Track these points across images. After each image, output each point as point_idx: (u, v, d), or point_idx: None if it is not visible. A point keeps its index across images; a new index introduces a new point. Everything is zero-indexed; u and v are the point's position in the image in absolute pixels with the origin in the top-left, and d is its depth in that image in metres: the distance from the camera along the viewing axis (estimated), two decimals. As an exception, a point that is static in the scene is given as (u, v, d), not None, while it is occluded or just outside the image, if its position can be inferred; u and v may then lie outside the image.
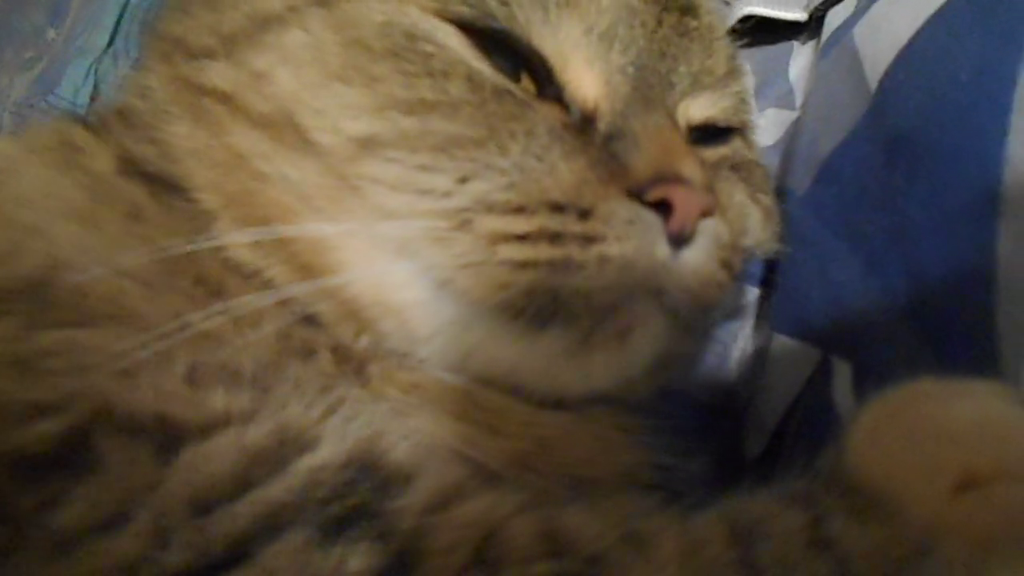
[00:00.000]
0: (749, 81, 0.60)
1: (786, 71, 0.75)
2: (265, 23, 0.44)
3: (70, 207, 0.42)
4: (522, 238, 0.39)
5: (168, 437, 0.35)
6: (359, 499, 0.34)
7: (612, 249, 0.39)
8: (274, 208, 0.43)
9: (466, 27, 0.44)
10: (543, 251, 0.39)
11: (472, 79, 0.42)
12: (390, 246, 0.41)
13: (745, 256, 0.50)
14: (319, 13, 0.44)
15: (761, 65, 0.76)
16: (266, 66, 0.43)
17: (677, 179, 0.41)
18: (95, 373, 0.36)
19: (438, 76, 0.42)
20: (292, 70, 0.43)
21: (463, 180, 0.40)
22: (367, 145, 0.41)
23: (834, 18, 0.67)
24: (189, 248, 0.41)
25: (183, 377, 0.38)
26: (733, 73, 0.54)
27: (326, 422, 0.38)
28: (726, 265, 0.44)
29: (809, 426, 0.51)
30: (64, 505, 0.32)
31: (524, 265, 0.39)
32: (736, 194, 0.50)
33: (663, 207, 0.40)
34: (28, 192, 0.43)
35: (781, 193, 0.61)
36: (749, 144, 0.57)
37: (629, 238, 0.39)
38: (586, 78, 0.44)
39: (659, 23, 0.48)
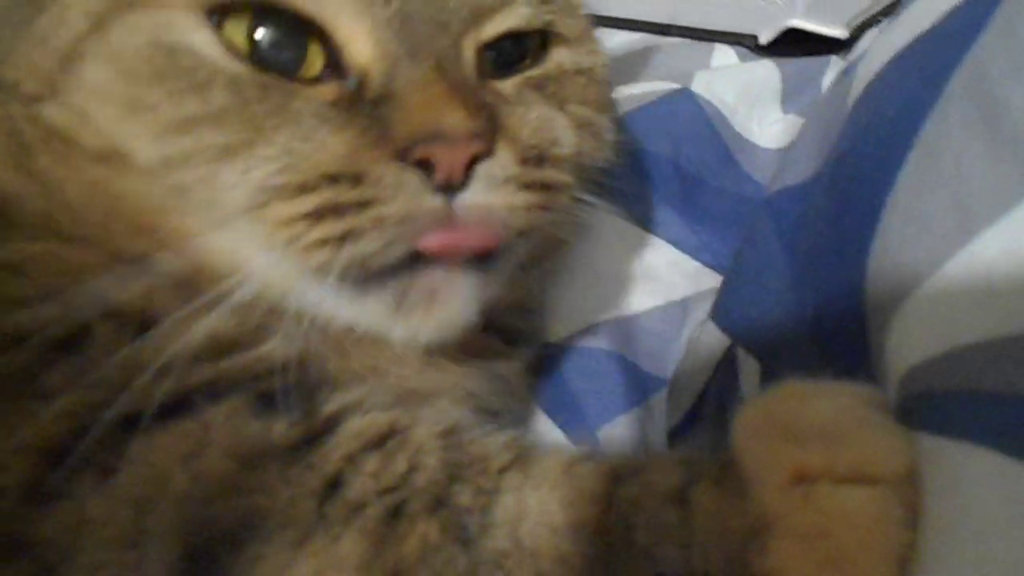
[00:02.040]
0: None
1: (819, 82, 0.77)
2: (67, 60, 0.44)
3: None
4: (311, 216, 0.41)
5: (147, 325, 0.42)
6: (293, 380, 0.41)
7: (387, 209, 0.41)
8: (136, 215, 0.45)
9: (231, 9, 0.43)
10: (330, 226, 0.41)
11: (234, 82, 0.42)
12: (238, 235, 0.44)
13: (577, 164, 0.49)
14: (97, 43, 0.44)
15: (796, 72, 0.78)
16: (82, 102, 0.44)
17: (437, 136, 0.41)
18: (82, 277, 0.43)
19: (202, 88, 0.42)
20: (99, 105, 0.44)
21: (246, 172, 0.42)
22: (167, 164, 0.43)
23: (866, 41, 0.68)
24: None
25: (167, 282, 0.44)
26: None
27: (277, 325, 0.44)
28: (527, 186, 0.44)
29: (719, 409, 0.56)
30: (53, 368, 0.40)
31: (317, 241, 0.41)
32: (534, 110, 0.47)
33: (424, 164, 0.41)
34: None
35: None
36: (575, 45, 0.53)
37: (397, 198, 0.41)
38: (358, 39, 0.43)
39: None
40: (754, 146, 0.76)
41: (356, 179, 0.41)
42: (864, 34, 0.71)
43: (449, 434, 0.41)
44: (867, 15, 0.71)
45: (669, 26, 0.85)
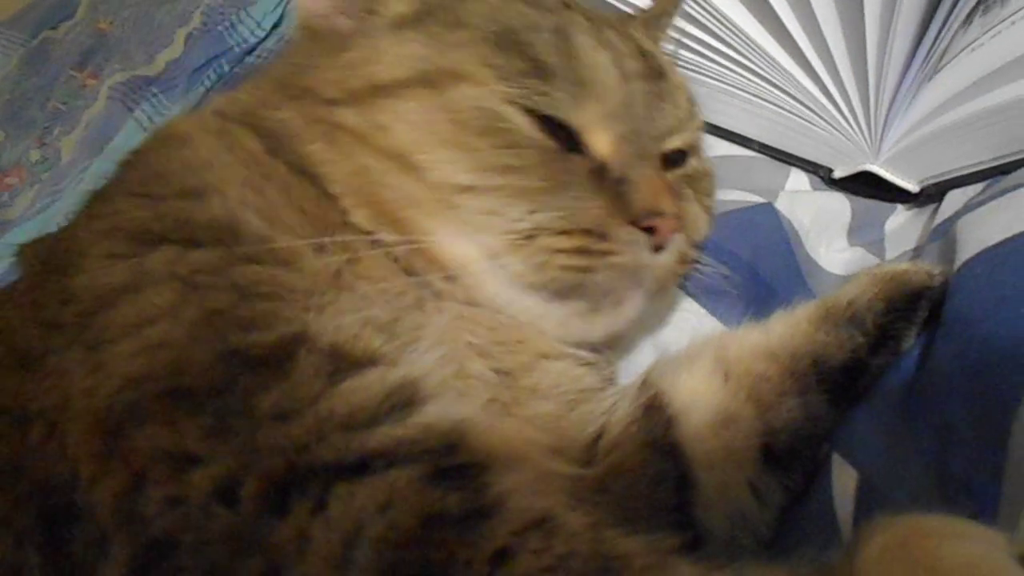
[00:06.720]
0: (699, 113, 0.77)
1: (883, 223, 0.86)
2: (381, 90, 0.62)
3: (237, 175, 0.60)
4: (569, 251, 0.60)
5: (339, 365, 0.48)
6: (459, 461, 0.47)
7: (617, 258, 0.61)
8: (391, 204, 0.62)
9: (527, 110, 0.62)
10: (578, 260, 0.60)
11: (537, 147, 0.62)
12: (479, 249, 0.61)
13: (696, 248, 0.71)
14: (426, 93, 0.62)
15: (864, 211, 0.87)
16: (386, 121, 0.61)
17: (660, 212, 0.62)
18: (292, 305, 0.51)
19: (515, 147, 0.61)
20: (408, 128, 0.61)
21: (531, 212, 0.60)
22: (467, 189, 0.60)
23: (948, 205, 0.77)
24: (345, 239, 0.58)
25: (356, 320, 0.52)
26: (692, 112, 0.74)
27: (433, 377, 0.52)
28: (684, 260, 0.67)
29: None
30: (263, 395, 0.46)
31: (566, 267, 0.60)
32: (692, 207, 0.70)
33: (650, 230, 0.61)
34: (207, 158, 0.61)
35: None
36: (700, 156, 0.77)
37: (628, 251, 0.61)
38: (601, 141, 0.64)
39: (648, 95, 0.67)
40: (820, 268, 0.84)
41: (602, 235, 0.60)
42: (943, 197, 0.79)
43: (598, 526, 0.46)
44: (944, 178, 0.80)
45: (751, 141, 0.92)
